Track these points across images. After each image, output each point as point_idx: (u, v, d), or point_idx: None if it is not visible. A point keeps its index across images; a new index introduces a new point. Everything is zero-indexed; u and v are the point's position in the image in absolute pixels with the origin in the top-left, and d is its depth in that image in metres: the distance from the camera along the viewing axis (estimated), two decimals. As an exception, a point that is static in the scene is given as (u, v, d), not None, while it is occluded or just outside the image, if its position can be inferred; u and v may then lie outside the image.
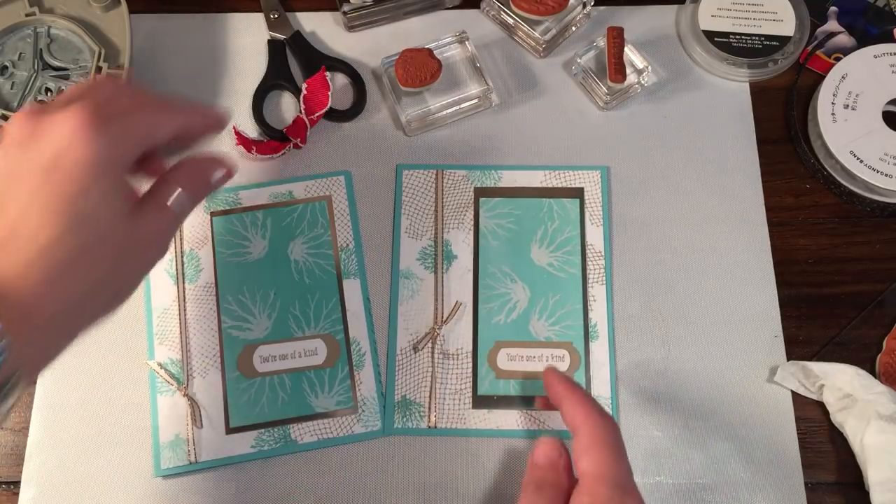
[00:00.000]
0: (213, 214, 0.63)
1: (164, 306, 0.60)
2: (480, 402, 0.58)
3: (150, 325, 0.60)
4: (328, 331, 0.60)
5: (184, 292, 0.61)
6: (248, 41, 0.69)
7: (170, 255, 0.61)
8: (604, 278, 0.61)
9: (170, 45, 0.69)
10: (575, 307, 0.60)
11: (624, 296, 0.60)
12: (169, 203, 0.46)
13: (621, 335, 0.59)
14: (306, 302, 0.60)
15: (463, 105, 0.65)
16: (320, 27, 0.69)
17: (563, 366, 0.58)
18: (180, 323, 0.60)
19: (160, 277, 0.61)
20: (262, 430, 0.57)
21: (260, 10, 0.69)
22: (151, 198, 0.46)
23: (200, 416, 0.57)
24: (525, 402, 0.58)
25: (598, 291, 0.60)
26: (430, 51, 0.65)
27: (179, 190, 0.46)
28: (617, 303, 0.60)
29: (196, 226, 0.62)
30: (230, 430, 0.57)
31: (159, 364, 0.58)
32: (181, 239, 0.62)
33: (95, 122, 0.41)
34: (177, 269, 0.61)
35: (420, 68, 0.64)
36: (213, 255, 0.62)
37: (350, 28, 0.69)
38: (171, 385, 0.58)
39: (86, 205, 0.41)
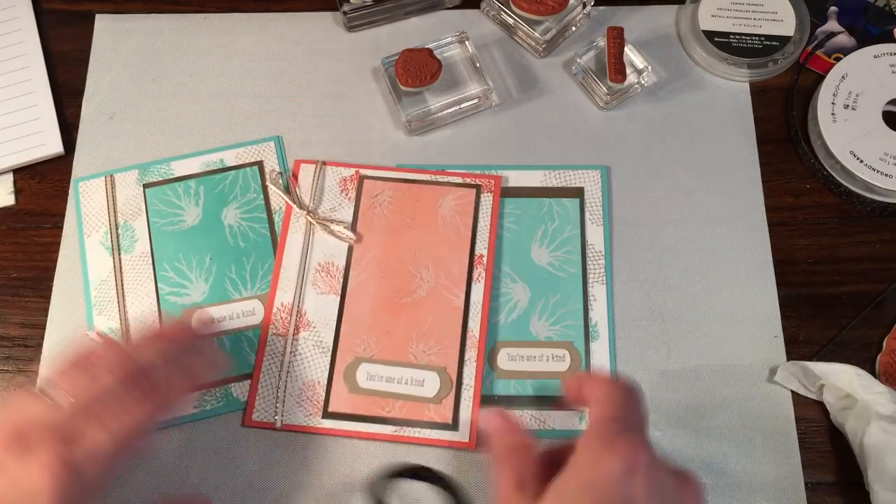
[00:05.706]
0: (145, 186, 0.64)
1: (101, 278, 0.61)
2: (481, 402, 0.58)
3: (88, 297, 0.60)
4: (264, 291, 0.60)
5: (120, 263, 0.61)
6: (248, 40, 0.69)
7: (104, 228, 0.62)
8: (604, 278, 0.61)
9: (170, 45, 0.69)
10: (575, 307, 0.60)
11: (624, 296, 0.60)
12: None
13: (621, 335, 0.59)
14: (242, 265, 0.61)
15: (463, 105, 0.65)
16: (320, 27, 0.69)
17: (563, 366, 0.58)
18: (118, 293, 0.61)
19: (95, 250, 0.62)
20: (204, 391, 0.58)
21: (261, 10, 0.69)
22: None
23: None
24: (526, 402, 0.58)
25: (598, 291, 0.60)
26: (430, 51, 0.65)
27: None
28: (617, 303, 0.60)
29: (129, 198, 0.63)
30: None
31: (99, 333, 0.59)
32: (115, 212, 0.63)
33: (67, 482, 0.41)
34: (112, 241, 0.62)
35: (420, 68, 0.64)
36: (147, 225, 0.63)
37: (350, 28, 0.69)
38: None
39: None
